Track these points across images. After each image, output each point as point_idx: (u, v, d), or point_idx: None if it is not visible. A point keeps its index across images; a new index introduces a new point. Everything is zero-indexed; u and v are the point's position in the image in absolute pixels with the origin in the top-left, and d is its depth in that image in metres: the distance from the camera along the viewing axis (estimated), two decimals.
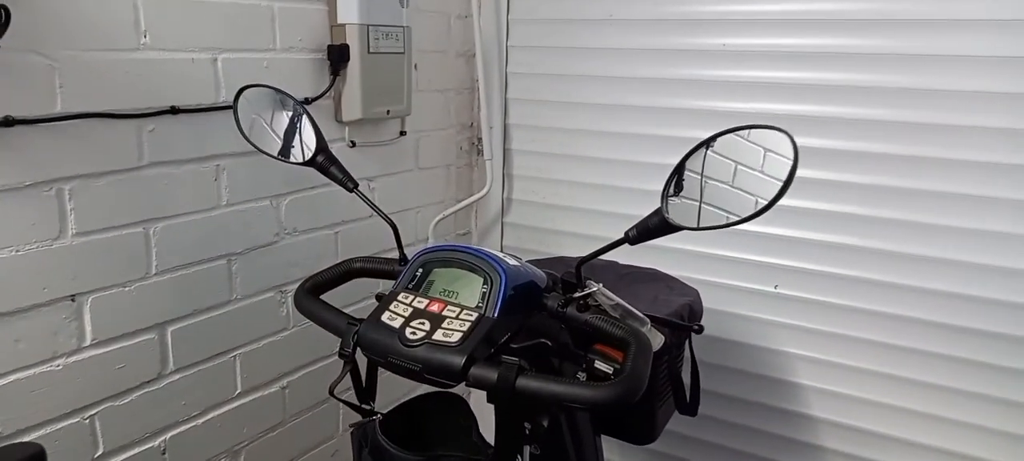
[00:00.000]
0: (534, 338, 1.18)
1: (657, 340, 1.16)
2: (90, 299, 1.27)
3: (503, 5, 2.05)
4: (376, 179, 1.83)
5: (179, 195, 1.38)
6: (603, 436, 1.38)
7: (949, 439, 1.69)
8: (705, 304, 1.53)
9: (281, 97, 1.26)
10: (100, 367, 1.30)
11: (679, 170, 0.97)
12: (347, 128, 1.71)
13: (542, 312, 1.10)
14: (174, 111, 1.34)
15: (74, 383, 1.26)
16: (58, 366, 1.24)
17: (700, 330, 1.25)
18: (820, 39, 1.66)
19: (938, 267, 1.62)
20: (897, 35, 1.58)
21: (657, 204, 0.97)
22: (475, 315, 1.00)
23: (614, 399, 0.91)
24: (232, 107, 1.19)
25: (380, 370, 1.07)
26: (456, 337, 0.97)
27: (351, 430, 1.20)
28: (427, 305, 1.04)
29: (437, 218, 2.04)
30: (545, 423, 1.18)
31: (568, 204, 2.07)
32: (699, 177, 0.97)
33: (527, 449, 1.14)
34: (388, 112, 1.74)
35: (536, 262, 1.52)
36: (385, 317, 1.03)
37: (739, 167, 0.94)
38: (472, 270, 1.06)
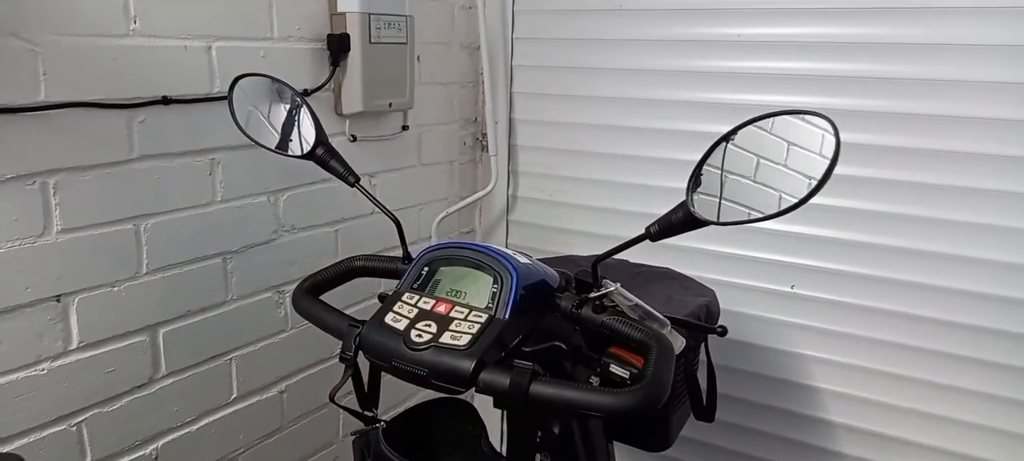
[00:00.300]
0: (545, 340, 1.12)
1: (678, 343, 1.10)
2: (77, 299, 1.20)
3: None
4: (377, 175, 1.77)
5: (171, 190, 1.31)
6: (615, 443, 1.32)
7: (975, 445, 1.62)
8: (719, 304, 1.47)
9: (279, 87, 1.20)
10: (88, 371, 1.23)
11: (705, 160, 0.91)
12: (347, 121, 1.65)
13: (555, 313, 1.05)
14: (166, 101, 1.27)
15: (60, 388, 1.20)
16: (43, 370, 1.17)
17: (723, 332, 1.19)
18: (839, 28, 1.60)
19: (962, 265, 1.56)
20: (920, 23, 1.52)
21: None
22: (485, 316, 0.95)
23: (635, 407, 0.85)
24: (227, 97, 1.13)
25: (383, 375, 1.01)
26: (465, 340, 0.92)
27: (353, 438, 1.14)
28: (433, 306, 0.98)
29: (440, 216, 1.97)
30: (556, 430, 1.13)
31: (575, 201, 2.00)
32: (720, 170, 0.91)
33: (537, 457, 1.08)
34: (390, 105, 1.68)
35: (542, 261, 1.46)
36: (389, 318, 0.98)
37: (770, 156, 0.88)
38: (481, 268, 1.00)
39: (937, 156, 1.54)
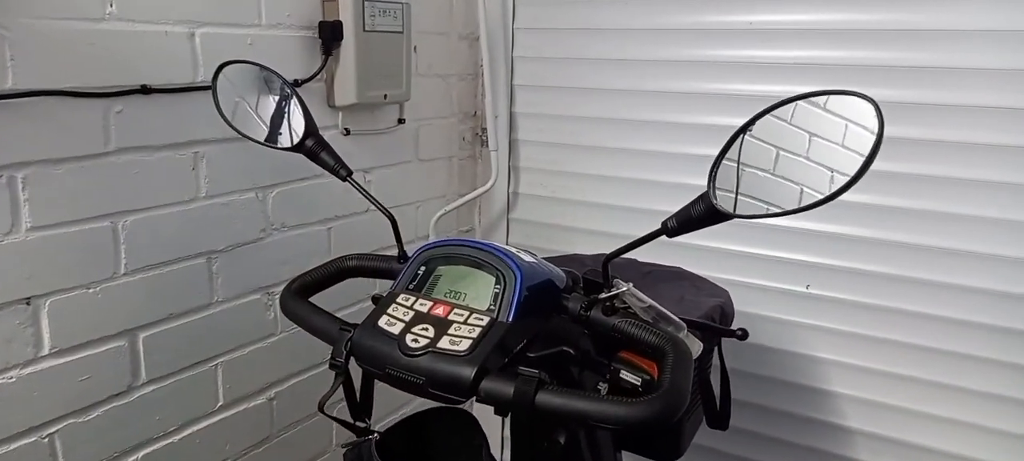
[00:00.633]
0: (550, 345, 1.05)
1: (696, 347, 1.02)
2: (48, 302, 1.12)
3: None
4: (372, 170, 1.69)
5: (152, 185, 1.23)
6: (623, 451, 1.25)
7: (1001, 453, 1.54)
8: (734, 305, 1.39)
9: (267, 75, 1.13)
10: (61, 379, 1.15)
11: (728, 147, 0.83)
12: (341, 114, 1.57)
13: (561, 316, 0.97)
14: (145, 91, 1.19)
15: (30, 397, 1.12)
16: (11, 378, 1.09)
17: (744, 335, 1.11)
18: (857, 14, 1.52)
19: (987, 263, 1.48)
20: (945, 8, 1.44)
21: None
22: (486, 319, 0.88)
23: (652, 418, 0.78)
24: (211, 85, 1.05)
25: (377, 383, 0.94)
26: (465, 345, 0.85)
27: (344, 451, 1.06)
28: (431, 308, 0.91)
29: (438, 213, 1.90)
30: (562, 440, 1.06)
31: (580, 198, 1.92)
32: (736, 163, 0.84)
33: None
34: (385, 97, 1.60)
35: (546, 261, 1.38)
36: (382, 322, 0.91)
37: (792, 146, 0.80)
38: (482, 268, 0.93)
39: (961, 149, 1.46)
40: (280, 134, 1.11)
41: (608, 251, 0.94)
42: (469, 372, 0.82)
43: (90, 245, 1.16)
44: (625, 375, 1.00)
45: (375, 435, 1.04)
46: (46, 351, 1.13)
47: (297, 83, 1.45)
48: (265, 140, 1.09)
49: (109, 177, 1.17)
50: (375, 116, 1.66)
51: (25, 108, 1.04)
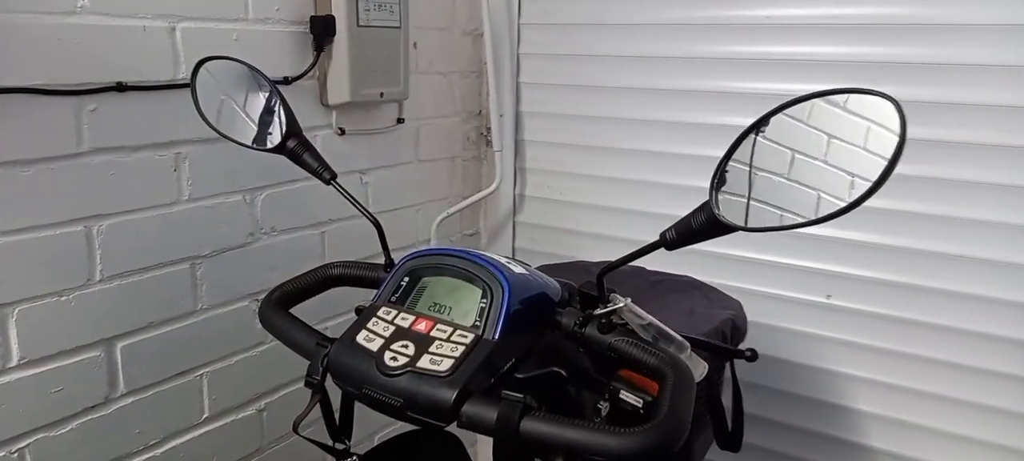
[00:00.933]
0: (547, 364, 0.97)
1: (700, 368, 0.94)
2: (16, 310, 1.06)
3: None
4: (370, 172, 1.62)
5: (129, 188, 1.17)
6: None
7: None
8: (747, 316, 1.30)
9: (249, 73, 1.06)
10: (31, 391, 1.10)
11: (732, 154, 0.76)
12: (335, 113, 1.50)
13: (556, 332, 0.90)
14: (121, 88, 1.13)
15: None
16: None
17: (753, 357, 1.02)
18: (880, 8, 1.42)
19: (1021, 275, 1.37)
20: (970, 3, 1.34)
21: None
22: (471, 336, 0.81)
23: (647, 449, 0.71)
24: (190, 82, 0.99)
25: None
26: (446, 364, 0.78)
27: None
28: (413, 323, 0.85)
29: (440, 217, 1.82)
30: None
31: (589, 201, 1.84)
32: (749, 167, 0.76)
33: None
34: (381, 95, 1.53)
35: (550, 268, 1.30)
36: (361, 337, 0.85)
37: (809, 150, 0.72)
38: (469, 280, 0.85)
39: (993, 151, 1.36)
40: (261, 134, 1.05)
41: (609, 261, 0.87)
42: (449, 395, 0.76)
43: (62, 250, 1.10)
44: (625, 396, 0.93)
45: (353, 458, 0.97)
46: (14, 362, 1.07)
47: (288, 81, 1.39)
48: (245, 140, 1.03)
49: (83, 179, 1.11)
50: (372, 115, 1.59)
51: None
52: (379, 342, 0.83)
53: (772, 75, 1.54)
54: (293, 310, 1.00)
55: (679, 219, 0.79)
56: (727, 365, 1.26)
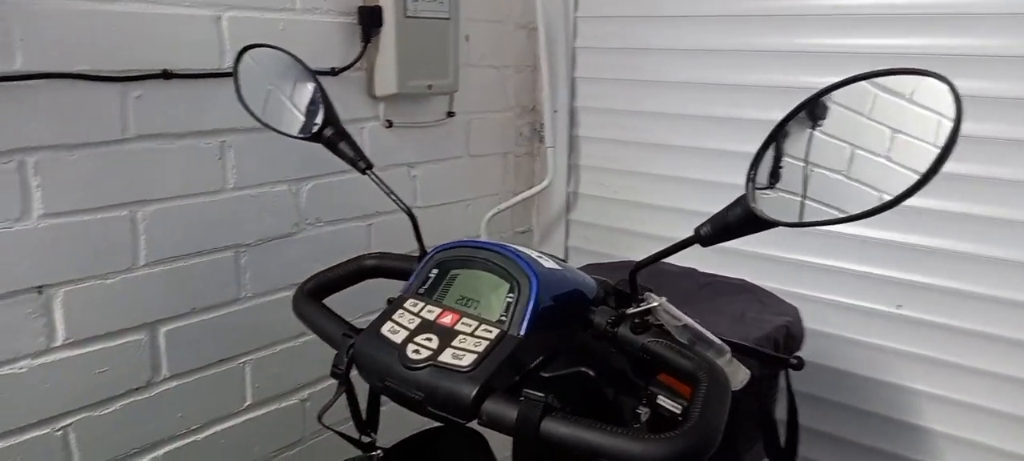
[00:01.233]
0: (579, 364, 0.93)
1: (740, 375, 0.88)
2: (62, 292, 1.09)
3: None
4: (418, 166, 1.60)
5: (174, 175, 1.19)
6: None
7: None
8: (806, 324, 1.22)
9: (290, 61, 1.06)
10: (76, 371, 1.12)
11: (769, 144, 0.70)
12: (382, 105, 1.49)
13: (589, 330, 0.85)
14: (166, 76, 1.15)
15: (43, 389, 1.09)
16: (22, 368, 1.06)
17: (799, 365, 0.95)
18: None
19: None
20: None
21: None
22: (495, 332, 0.77)
23: (674, 457, 0.66)
24: (233, 69, 0.99)
25: None
26: (468, 359, 0.75)
27: None
28: (438, 316, 0.82)
29: (491, 212, 1.79)
30: None
31: (644, 200, 1.78)
32: (787, 157, 0.70)
33: None
34: (429, 87, 1.51)
35: (598, 267, 1.25)
36: (386, 329, 0.83)
37: (858, 139, 0.66)
38: (497, 273, 0.82)
39: None
40: (298, 122, 1.04)
41: (642, 258, 0.82)
42: (469, 391, 0.73)
43: (107, 235, 1.12)
44: (663, 401, 0.87)
45: (378, 452, 0.95)
46: (60, 342, 1.10)
47: (334, 72, 1.38)
48: (282, 128, 1.03)
49: (128, 165, 1.13)
50: (421, 108, 1.58)
51: (35, 91, 1.01)
52: (403, 334, 0.81)
53: (840, 68, 1.44)
54: (328, 301, 1.00)
55: (715, 213, 0.73)
56: (781, 375, 1.18)
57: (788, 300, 1.27)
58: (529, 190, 1.87)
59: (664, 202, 1.74)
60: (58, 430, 1.12)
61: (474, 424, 0.76)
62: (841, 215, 0.64)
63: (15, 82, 0.99)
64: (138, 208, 1.15)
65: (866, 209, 0.61)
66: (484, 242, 0.87)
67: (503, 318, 0.78)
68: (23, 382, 1.07)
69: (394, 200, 1.01)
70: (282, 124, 1.02)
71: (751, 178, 0.69)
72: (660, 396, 0.86)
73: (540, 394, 0.71)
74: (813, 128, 0.70)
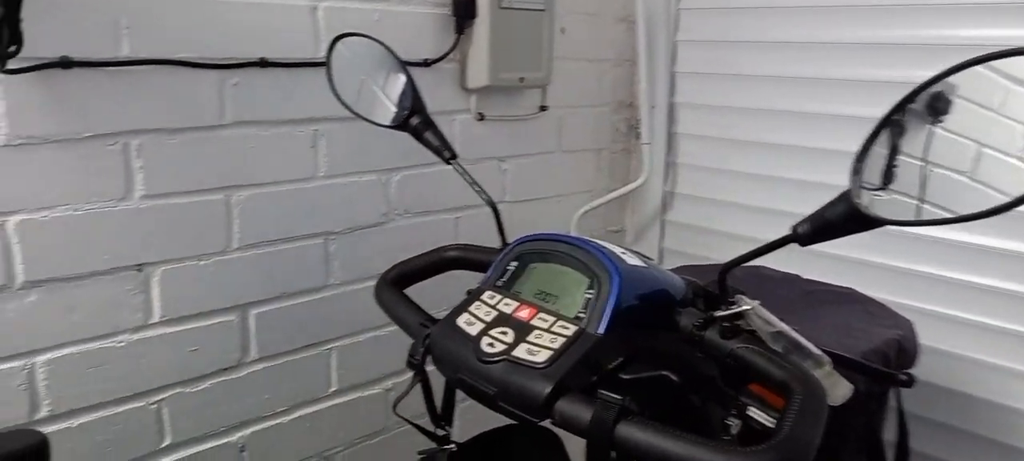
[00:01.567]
0: (662, 368, 0.88)
1: (840, 390, 0.80)
2: (159, 271, 1.13)
3: None
4: (508, 160, 1.58)
5: (267, 161, 1.21)
6: None
7: None
8: (922, 340, 1.11)
9: (381, 50, 1.05)
10: (170, 348, 1.16)
11: (877, 135, 0.63)
12: (474, 97, 1.48)
13: (674, 332, 0.80)
14: (263, 64, 1.17)
15: (138, 363, 1.13)
16: (121, 342, 1.11)
17: (909, 382, 0.86)
18: None
19: None
20: None
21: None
22: (572, 329, 0.73)
23: None
24: (326, 57, 1.00)
25: None
26: (543, 356, 0.72)
27: (419, 458, 0.96)
28: (515, 309, 0.79)
29: (582, 210, 1.75)
30: None
31: (747, 202, 1.68)
32: (897, 152, 0.64)
33: None
34: (522, 79, 1.48)
35: (691, 269, 1.19)
36: (461, 320, 0.80)
37: (983, 123, 0.58)
38: (578, 268, 0.78)
39: None
40: (386, 111, 1.04)
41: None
42: (542, 388, 0.69)
43: (203, 217, 1.16)
44: (755, 413, 0.81)
45: (451, 446, 0.93)
46: (156, 319, 1.14)
47: (427, 63, 1.38)
48: (370, 116, 1.03)
49: (224, 150, 1.16)
50: (513, 101, 1.55)
51: (140, 76, 1.05)
52: (479, 327, 0.78)
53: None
54: (412, 291, 0.99)
55: (814, 211, 0.67)
56: (892, 393, 1.09)
57: (900, 313, 1.16)
58: (623, 188, 1.81)
59: (767, 204, 1.64)
60: (152, 404, 1.16)
61: (548, 424, 0.73)
62: (952, 215, 0.56)
63: (121, 67, 1.03)
64: (233, 192, 1.18)
65: (983, 209, 0.53)
66: (565, 235, 0.83)
67: (581, 315, 0.74)
68: (121, 356, 1.11)
69: (477, 191, 0.99)
70: (371, 113, 1.02)
71: (856, 172, 0.62)
72: (751, 407, 0.80)
73: (617, 396, 0.67)
74: (933, 123, 0.63)
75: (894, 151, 0.65)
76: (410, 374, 1.51)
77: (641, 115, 1.76)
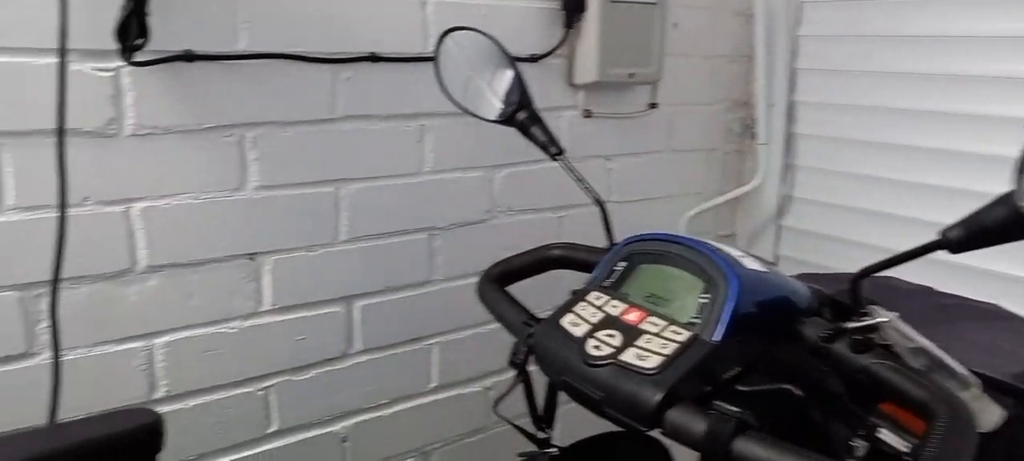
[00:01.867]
0: (780, 381, 0.82)
1: (991, 415, 0.72)
2: (271, 260, 1.16)
3: None
4: (615, 158, 1.53)
5: (375, 155, 1.22)
6: None
7: None
8: None
9: (489, 44, 1.04)
10: (279, 336, 1.19)
11: None
12: (582, 93, 1.44)
13: (797, 344, 0.74)
14: (374, 59, 1.18)
15: (249, 349, 1.16)
16: (232, 328, 1.15)
17: None
18: None
19: None
20: None
21: None
22: (686, 335, 0.69)
23: None
24: (434, 51, 0.99)
25: None
26: (653, 362, 0.68)
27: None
28: (623, 312, 0.75)
29: (692, 212, 1.68)
30: None
31: (874, 207, 1.56)
32: None
33: None
34: (631, 75, 1.43)
35: (814, 278, 1.11)
36: (566, 321, 0.77)
37: None
38: (692, 271, 0.74)
39: None
40: (492, 105, 1.02)
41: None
42: (652, 396, 0.65)
43: (312, 209, 1.18)
44: (886, 436, 0.74)
45: (552, 450, 0.90)
46: (266, 307, 1.17)
47: (535, 58, 1.36)
48: (476, 110, 1.01)
49: (334, 143, 1.18)
50: (622, 98, 1.51)
51: (256, 70, 1.08)
52: (584, 328, 0.75)
53: None
54: (515, 289, 0.97)
55: (967, 215, 0.60)
56: None
57: None
58: (736, 190, 1.72)
59: (896, 210, 1.52)
60: (260, 390, 1.19)
61: (656, 433, 0.69)
62: None
63: (239, 61, 1.06)
64: (342, 185, 1.20)
65: None
66: (679, 236, 0.79)
67: (695, 320, 0.70)
68: (233, 342, 1.15)
69: (584, 188, 0.95)
70: (477, 108, 1.01)
71: (1022, 172, 0.55)
72: (882, 429, 0.73)
73: (735, 409, 0.62)
74: None
75: None
76: (511, 374, 1.49)
77: (758, 114, 1.67)
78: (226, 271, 1.12)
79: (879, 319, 0.69)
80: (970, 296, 1.16)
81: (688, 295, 0.72)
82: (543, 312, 0.81)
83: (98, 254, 1.01)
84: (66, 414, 0.96)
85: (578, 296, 0.80)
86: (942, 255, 0.63)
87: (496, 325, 1.42)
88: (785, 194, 1.73)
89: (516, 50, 0.97)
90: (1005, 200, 0.57)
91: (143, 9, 0.92)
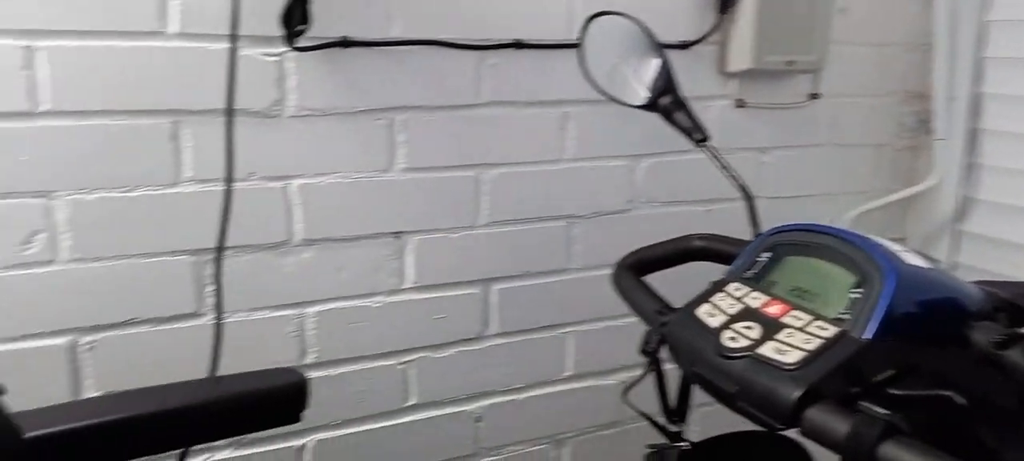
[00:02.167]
0: (940, 387, 0.74)
1: None
2: (414, 240, 1.20)
3: None
4: (770, 151, 1.45)
5: (517, 141, 1.23)
6: None
7: None
8: None
9: (635, 28, 1.02)
10: (419, 313, 1.23)
11: None
12: (735, 82, 1.37)
13: (965, 349, 0.67)
14: (519, 45, 1.19)
15: (391, 324, 1.22)
16: (377, 303, 1.20)
17: None
18: None
19: None
20: None
21: None
22: (833, 330, 0.64)
23: None
24: (579, 35, 0.99)
25: None
26: (794, 356, 0.63)
27: (646, 453, 0.91)
28: (763, 304, 0.71)
29: (856, 212, 1.55)
30: None
31: None
32: None
33: None
34: (790, 63, 1.35)
35: (993, 286, 0.99)
36: (702, 311, 0.74)
37: None
38: (843, 265, 0.68)
39: None
40: (635, 91, 1.00)
41: None
42: (791, 392, 0.61)
43: (454, 192, 1.21)
44: None
45: (684, 444, 0.87)
46: (408, 284, 1.22)
47: (685, 45, 1.31)
48: (619, 95, 1.00)
49: (477, 129, 1.20)
50: (779, 88, 1.42)
51: (407, 56, 1.13)
52: (721, 319, 0.71)
53: None
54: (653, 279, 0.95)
55: None
56: None
57: None
58: (907, 189, 1.57)
59: None
60: (400, 364, 1.24)
61: (795, 433, 0.64)
62: None
63: (391, 47, 1.11)
64: (483, 170, 1.22)
65: None
66: (829, 227, 0.73)
67: (844, 315, 0.64)
68: (377, 315, 1.20)
69: (730, 177, 0.91)
70: (621, 93, 0.99)
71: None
72: None
73: (884, 411, 0.56)
74: None
75: None
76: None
77: (936, 107, 1.51)
78: (373, 248, 1.17)
79: None
80: None
81: (838, 290, 0.66)
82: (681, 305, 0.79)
83: (259, 226, 1.10)
84: (224, 371, 1.05)
85: (717, 286, 0.76)
86: None
87: (633, 319, 1.39)
88: (966, 195, 1.56)
89: (665, 36, 0.94)
90: None
91: None
